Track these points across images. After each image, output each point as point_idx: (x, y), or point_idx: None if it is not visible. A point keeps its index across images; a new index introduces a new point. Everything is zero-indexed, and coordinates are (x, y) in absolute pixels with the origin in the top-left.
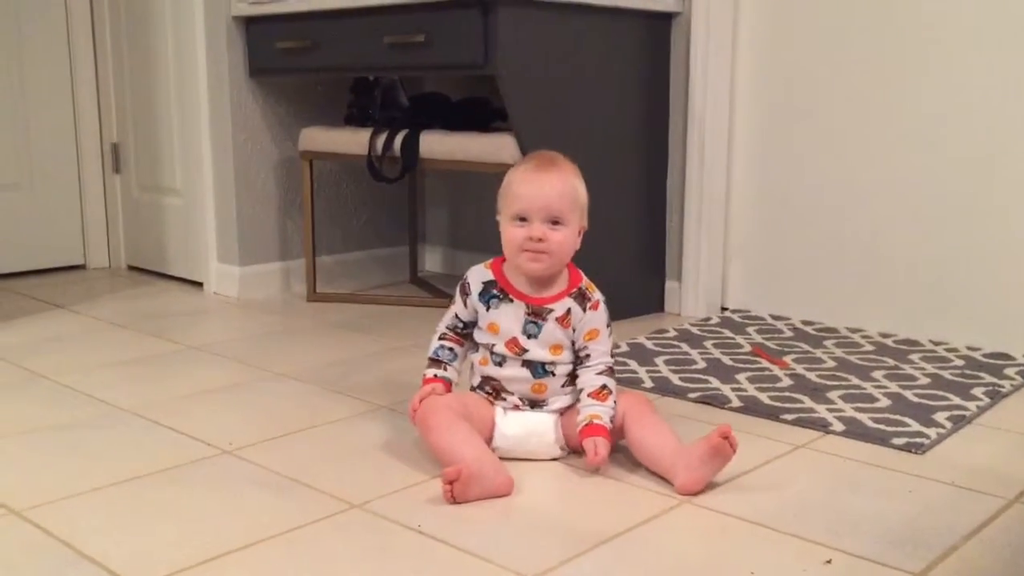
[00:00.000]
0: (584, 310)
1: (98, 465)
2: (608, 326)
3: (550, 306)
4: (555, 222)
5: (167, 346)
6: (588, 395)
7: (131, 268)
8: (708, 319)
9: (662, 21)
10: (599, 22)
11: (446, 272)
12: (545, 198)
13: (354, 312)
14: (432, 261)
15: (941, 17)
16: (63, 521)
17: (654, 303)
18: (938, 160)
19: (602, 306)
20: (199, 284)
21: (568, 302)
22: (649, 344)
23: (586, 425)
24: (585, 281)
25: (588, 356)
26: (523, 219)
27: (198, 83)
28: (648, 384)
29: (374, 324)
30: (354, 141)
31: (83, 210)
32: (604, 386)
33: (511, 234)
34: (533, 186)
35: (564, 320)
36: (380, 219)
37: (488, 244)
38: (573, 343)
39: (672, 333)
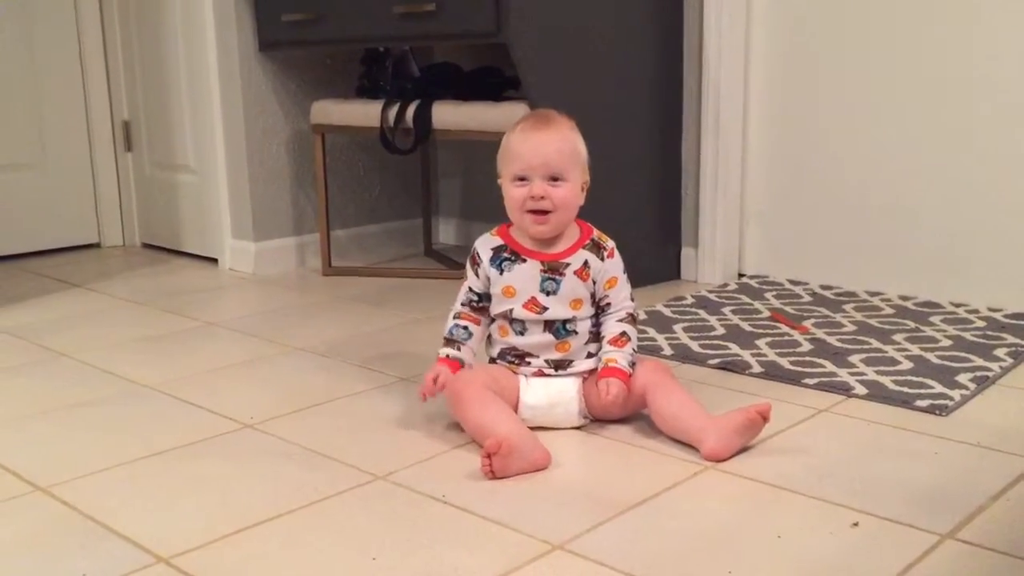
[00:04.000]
0: (602, 259)
1: (122, 441)
2: (624, 272)
3: (566, 260)
4: (555, 179)
5: (185, 323)
6: (608, 342)
7: (145, 246)
8: (725, 285)
9: None
10: None
11: (460, 244)
12: (543, 155)
13: (370, 286)
14: (446, 233)
15: None
16: (89, 497)
17: (671, 270)
18: (958, 120)
19: (617, 253)
20: (214, 261)
21: (584, 254)
22: (667, 311)
23: (603, 367)
24: (596, 232)
25: (608, 305)
26: (523, 179)
27: (208, 59)
28: (668, 351)
29: (390, 297)
30: (366, 113)
31: (96, 188)
32: (624, 332)
33: (513, 194)
34: (530, 144)
35: (582, 272)
36: (393, 192)
37: (502, 215)
38: (593, 295)
39: (690, 300)
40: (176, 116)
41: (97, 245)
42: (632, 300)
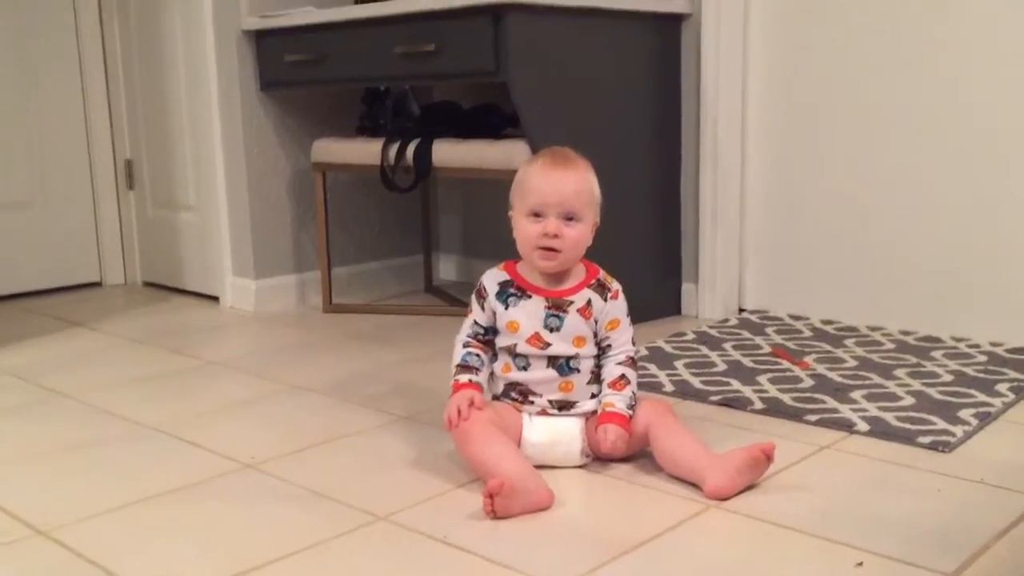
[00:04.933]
0: (605, 300)
1: (123, 483)
2: (627, 316)
3: (570, 298)
4: (570, 218)
5: (187, 362)
6: (607, 385)
7: (147, 284)
8: (726, 321)
9: (672, 23)
10: (608, 25)
11: (461, 280)
12: (561, 194)
13: (371, 323)
14: (447, 270)
15: (960, 16)
16: (90, 540)
17: (671, 306)
18: (956, 156)
19: (621, 296)
20: (215, 299)
21: (588, 293)
22: (668, 347)
23: (601, 413)
24: (602, 273)
25: (610, 347)
26: (538, 215)
27: (210, 98)
28: (669, 388)
29: (391, 334)
30: (366, 151)
31: (98, 227)
32: (623, 375)
33: (526, 230)
34: (549, 181)
35: (585, 311)
36: (394, 229)
37: (503, 251)
38: (595, 335)
39: (690, 336)
40: (178, 155)
41: (99, 284)
42: (633, 344)
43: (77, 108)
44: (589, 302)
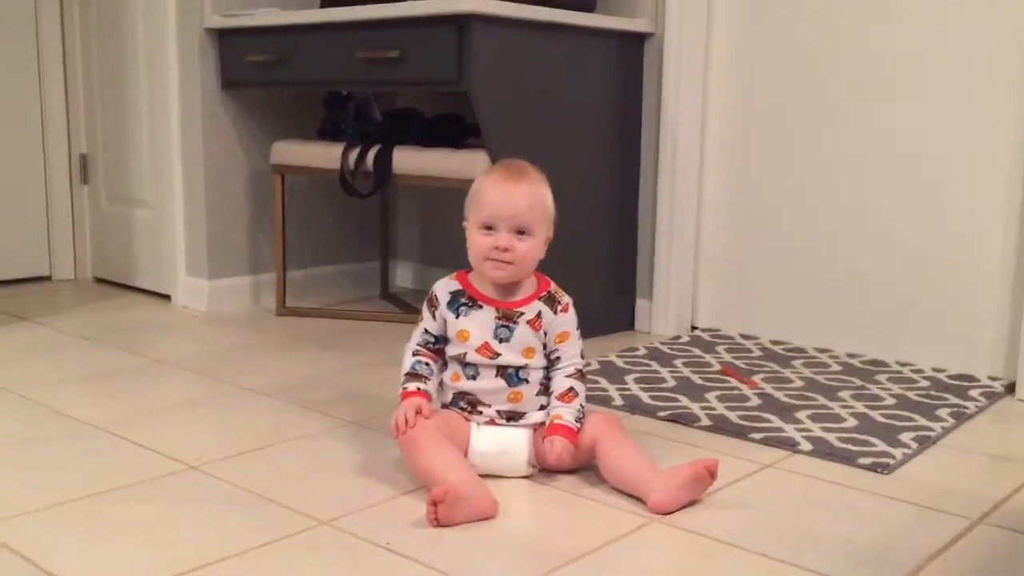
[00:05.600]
0: (555, 312)
1: (61, 480)
2: (577, 329)
3: (520, 309)
4: (521, 232)
5: (133, 359)
6: (556, 397)
7: (98, 280)
8: (678, 338)
9: (635, 41)
10: (573, 41)
11: (417, 288)
12: (513, 208)
13: (323, 327)
14: (403, 277)
15: (914, 40)
16: (25, 537)
17: (625, 321)
18: (907, 183)
19: (571, 309)
20: (167, 297)
21: (538, 305)
22: (619, 362)
23: (549, 424)
24: (553, 286)
25: (559, 359)
26: (490, 227)
27: (169, 95)
28: (618, 402)
29: (342, 339)
30: (326, 155)
31: (49, 221)
32: (571, 388)
33: (477, 241)
34: (502, 195)
35: (535, 323)
36: (351, 234)
37: (461, 260)
38: (544, 346)
39: (642, 351)
40: (135, 151)
41: (48, 278)
42: (583, 357)
43: (33, 99)
44: (539, 314)
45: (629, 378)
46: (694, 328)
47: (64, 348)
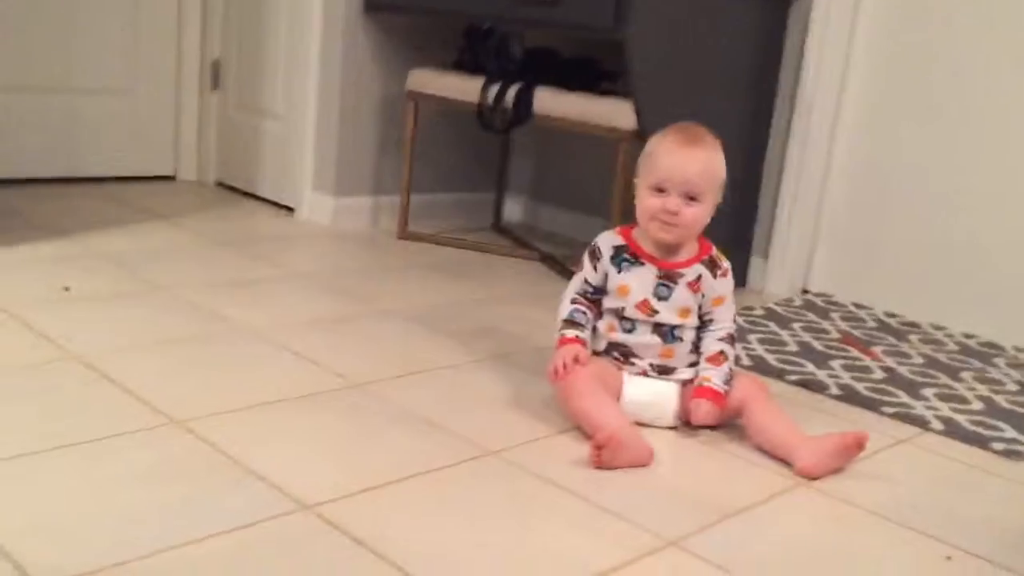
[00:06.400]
0: (715, 276)
1: (242, 383)
2: (732, 294)
3: (682, 270)
4: (692, 197)
5: (273, 270)
6: (705, 359)
7: (219, 185)
8: (791, 300)
9: (781, 4)
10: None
11: (526, 222)
12: (686, 173)
13: (444, 255)
14: (512, 210)
15: None
16: (225, 436)
17: (738, 277)
18: None
19: (730, 274)
20: (289, 209)
21: (699, 268)
22: (740, 320)
23: (697, 386)
24: (715, 250)
25: (712, 321)
26: (661, 190)
27: (310, 10)
28: (746, 362)
29: (465, 269)
30: (464, 88)
31: (177, 122)
32: (722, 351)
33: (647, 202)
34: (676, 159)
35: (695, 285)
36: (468, 164)
37: (569, 200)
38: (700, 307)
39: (759, 311)
40: (269, 62)
41: (172, 178)
42: (735, 321)
43: (171, 3)
44: (699, 277)
45: (752, 338)
46: (805, 291)
47: (206, 252)
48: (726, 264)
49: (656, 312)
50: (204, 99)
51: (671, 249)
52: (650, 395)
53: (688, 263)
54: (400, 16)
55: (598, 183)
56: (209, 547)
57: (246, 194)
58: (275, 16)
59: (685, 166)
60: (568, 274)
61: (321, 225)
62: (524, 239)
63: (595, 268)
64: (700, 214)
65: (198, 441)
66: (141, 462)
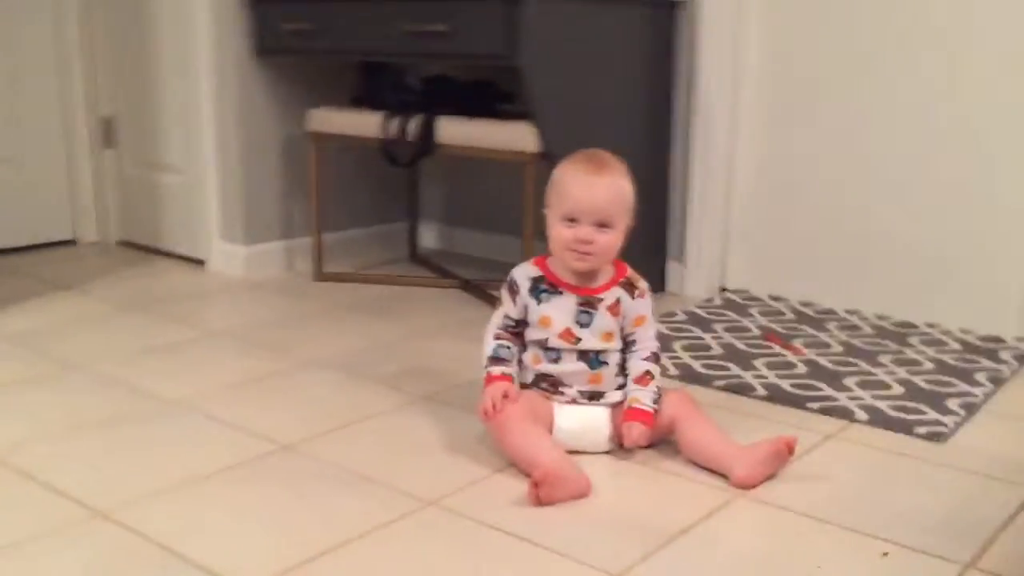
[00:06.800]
0: (633, 297)
1: (166, 462)
2: (653, 313)
3: (600, 295)
4: (603, 225)
5: (189, 331)
6: (633, 381)
7: (121, 243)
8: (710, 300)
9: (668, 10)
10: (612, 11)
11: (442, 248)
12: (596, 202)
13: (364, 293)
14: (427, 238)
15: (954, 3)
16: (151, 522)
17: (656, 283)
18: (937, 142)
19: (648, 294)
20: (199, 262)
21: (617, 291)
22: (664, 328)
23: (627, 409)
24: (630, 271)
25: (635, 342)
26: (572, 219)
27: (200, 60)
28: (673, 372)
29: (386, 306)
30: (365, 124)
31: (72, 184)
32: (647, 371)
33: (560, 233)
34: (584, 189)
35: (614, 308)
36: (378, 196)
37: (483, 221)
38: (622, 329)
39: (681, 316)
40: (163, 115)
41: (73, 242)
42: (657, 340)
43: (53, 63)
44: (618, 300)
45: (677, 345)
46: (723, 290)
47: (116, 319)
48: (643, 284)
49: (579, 339)
50: (98, 158)
51: (588, 276)
52: (582, 422)
53: (606, 287)
54: (294, 58)
55: (510, 202)
56: None
57: (152, 251)
58: (164, 68)
59: (594, 196)
60: (489, 299)
61: (234, 276)
62: (442, 266)
63: (514, 302)
64: (613, 240)
65: (127, 533)
66: (66, 565)
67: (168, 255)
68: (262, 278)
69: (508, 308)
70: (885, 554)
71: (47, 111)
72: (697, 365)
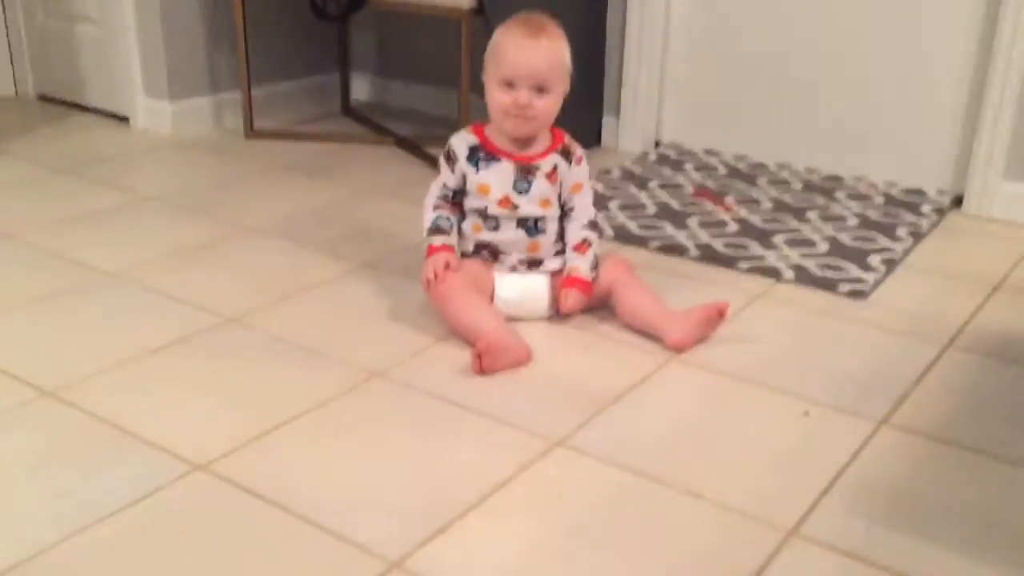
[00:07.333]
0: (570, 164)
1: (110, 337)
2: (589, 180)
3: (538, 163)
4: (541, 89)
5: (122, 196)
6: (571, 248)
7: (41, 98)
8: (646, 155)
9: None
10: None
11: (376, 101)
12: (534, 66)
13: (297, 151)
14: (360, 90)
15: None
16: (102, 401)
17: (591, 137)
18: (865, 4)
19: (585, 161)
20: (123, 119)
21: (555, 158)
22: (599, 187)
23: (565, 277)
24: (567, 138)
25: (573, 209)
26: (510, 84)
27: None
28: (609, 233)
29: (322, 165)
30: None
31: None
32: (585, 239)
33: (498, 98)
34: (522, 53)
35: (552, 175)
36: (308, 46)
37: (417, 73)
38: (559, 196)
39: (617, 173)
40: None
41: None
42: (593, 207)
43: None
44: (555, 167)
45: (612, 205)
46: (658, 144)
47: (45, 183)
48: (580, 152)
49: (517, 207)
50: (7, 7)
51: (525, 142)
52: (521, 291)
53: (544, 154)
54: None
55: (445, 54)
56: (108, 530)
57: (73, 105)
58: None
59: (532, 60)
60: (424, 157)
61: (162, 134)
62: (376, 121)
63: (452, 170)
64: (551, 105)
65: (75, 411)
66: (19, 446)
67: (90, 110)
68: (190, 135)
69: (446, 177)
70: (806, 413)
71: None
72: (633, 226)
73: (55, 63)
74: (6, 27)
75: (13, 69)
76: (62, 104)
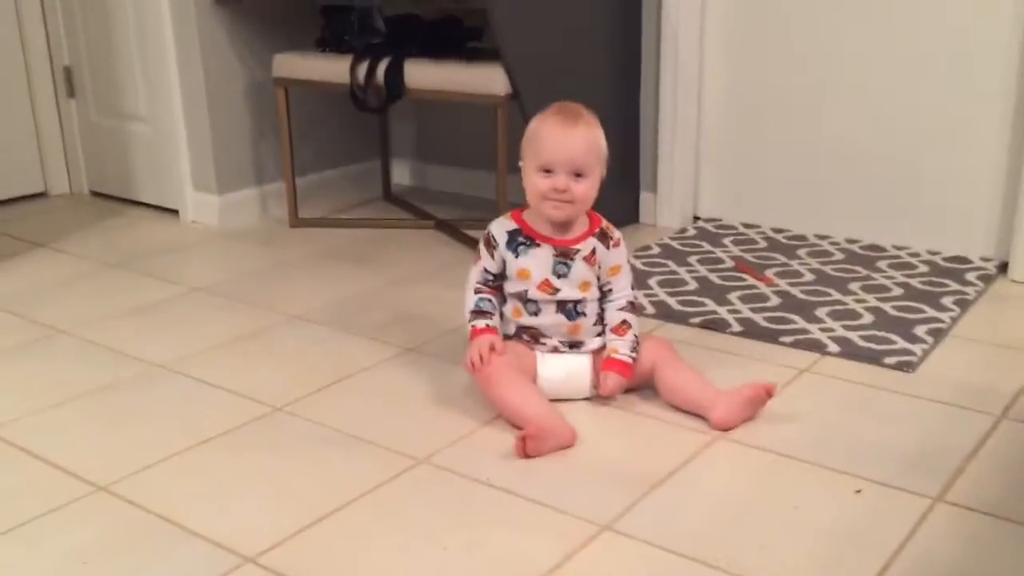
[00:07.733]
0: (608, 247)
1: (161, 431)
2: (628, 262)
3: (577, 247)
4: (579, 174)
5: (170, 288)
6: (611, 330)
7: (94, 194)
8: (684, 230)
9: None
10: None
11: (416, 185)
12: (571, 152)
13: (341, 238)
14: (400, 175)
15: None
16: (153, 494)
17: (631, 214)
18: (906, 63)
19: (623, 244)
20: (173, 212)
21: (593, 242)
22: (639, 264)
23: (605, 359)
24: (604, 222)
25: (611, 291)
26: (548, 170)
27: (160, 7)
28: (650, 311)
29: (365, 252)
30: (332, 69)
31: (39, 134)
32: (624, 321)
33: (536, 184)
34: (559, 140)
35: (590, 258)
36: (348, 136)
37: (455, 157)
38: (598, 279)
39: (656, 250)
40: (124, 64)
41: (44, 195)
42: (633, 288)
43: (9, 13)
44: (594, 250)
45: (652, 281)
46: (696, 218)
47: (96, 279)
48: (617, 235)
49: (558, 290)
50: (62, 108)
51: (564, 227)
52: (564, 371)
53: (582, 238)
54: (254, 1)
55: (481, 138)
56: None
57: (123, 200)
58: (123, 16)
59: (569, 146)
60: (464, 239)
61: (210, 226)
62: (416, 206)
63: (492, 256)
64: (588, 189)
65: (128, 506)
66: (74, 541)
67: (140, 205)
68: (237, 227)
69: (486, 262)
70: (858, 491)
71: (9, 61)
72: (673, 302)
73: (107, 160)
74: (61, 127)
75: (68, 167)
76: (114, 200)
